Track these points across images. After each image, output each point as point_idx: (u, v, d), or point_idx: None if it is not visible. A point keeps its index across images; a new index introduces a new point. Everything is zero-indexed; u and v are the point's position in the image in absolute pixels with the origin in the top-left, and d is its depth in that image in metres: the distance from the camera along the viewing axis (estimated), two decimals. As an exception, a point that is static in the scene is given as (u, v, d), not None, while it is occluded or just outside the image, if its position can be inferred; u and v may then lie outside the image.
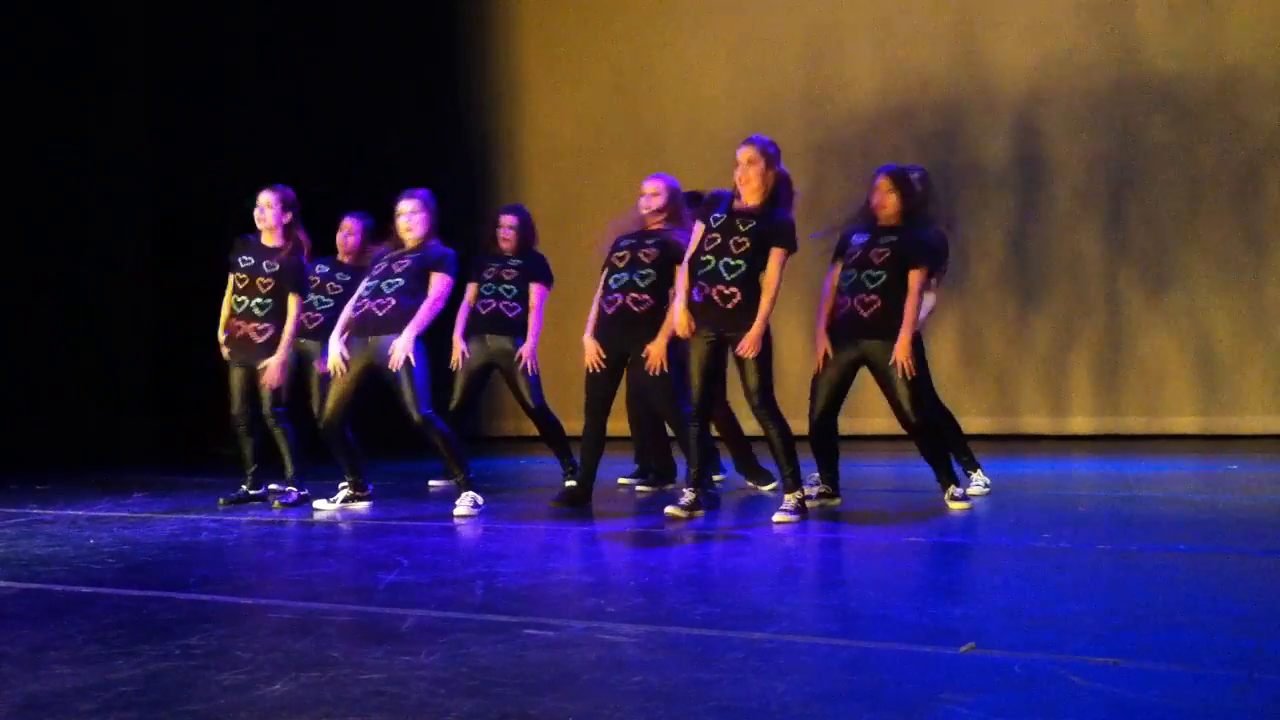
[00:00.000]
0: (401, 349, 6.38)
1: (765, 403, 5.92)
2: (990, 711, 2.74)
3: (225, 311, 7.08)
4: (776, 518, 5.81)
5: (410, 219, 6.68)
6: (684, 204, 6.78)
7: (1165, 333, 10.57)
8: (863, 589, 4.41)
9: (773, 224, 5.93)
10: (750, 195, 5.98)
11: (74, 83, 10.51)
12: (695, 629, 3.64)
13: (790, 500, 5.89)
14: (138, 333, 10.93)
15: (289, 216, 7.08)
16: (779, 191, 6.01)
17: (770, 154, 5.98)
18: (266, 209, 7.04)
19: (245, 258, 7.04)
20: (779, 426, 5.97)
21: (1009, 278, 10.97)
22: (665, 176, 6.85)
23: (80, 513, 6.90)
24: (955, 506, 6.15)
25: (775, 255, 5.91)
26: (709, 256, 5.93)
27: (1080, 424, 10.80)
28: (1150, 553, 4.94)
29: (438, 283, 6.55)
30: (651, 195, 6.74)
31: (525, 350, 7.40)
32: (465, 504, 6.43)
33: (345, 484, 6.80)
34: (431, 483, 7.87)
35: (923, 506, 6.34)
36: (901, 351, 6.12)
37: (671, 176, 6.87)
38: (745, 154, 5.99)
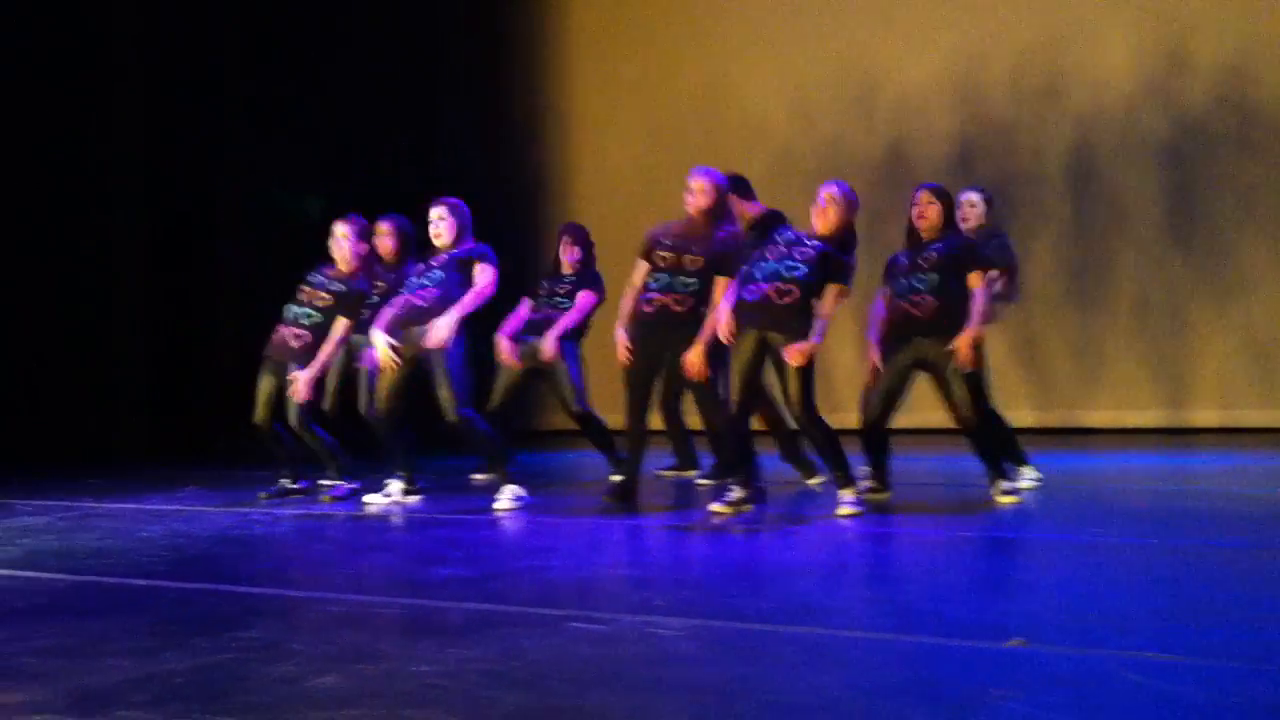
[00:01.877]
0: (443, 327, 6.35)
1: (806, 410, 5.91)
2: (1041, 707, 2.72)
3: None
4: (841, 511, 5.79)
5: (437, 225, 6.67)
6: (728, 198, 6.63)
7: (1223, 326, 10.46)
8: (912, 584, 4.39)
9: (835, 257, 5.98)
10: (823, 228, 6.06)
11: (73, 83, 10.52)
12: (744, 623, 3.64)
13: (848, 494, 5.87)
14: (137, 333, 10.95)
15: (365, 247, 7.18)
16: (846, 233, 6.08)
17: (851, 201, 6.09)
18: (344, 240, 7.15)
19: (316, 275, 7.17)
20: (823, 432, 5.96)
21: (1066, 269, 10.87)
22: (711, 172, 6.59)
23: (132, 506, 6.96)
24: (1004, 500, 6.10)
25: (830, 290, 5.95)
26: (769, 261, 5.97)
27: (1134, 418, 10.70)
28: (1204, 548, 4.89)
29: (482, 274, 6.53)
30: (698, 193, 6.48)
31: (548, 339, 7.41)
32: (506, 497, 6.44)
33: (397, 477, 6.81)
34: (475, 476, 7.89)
35: (972, 501, 6.30)
36: (963, 342, 6.08)
37: (717, 172, 6.70)
38: (829, 194, 6.06)
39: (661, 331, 6.39)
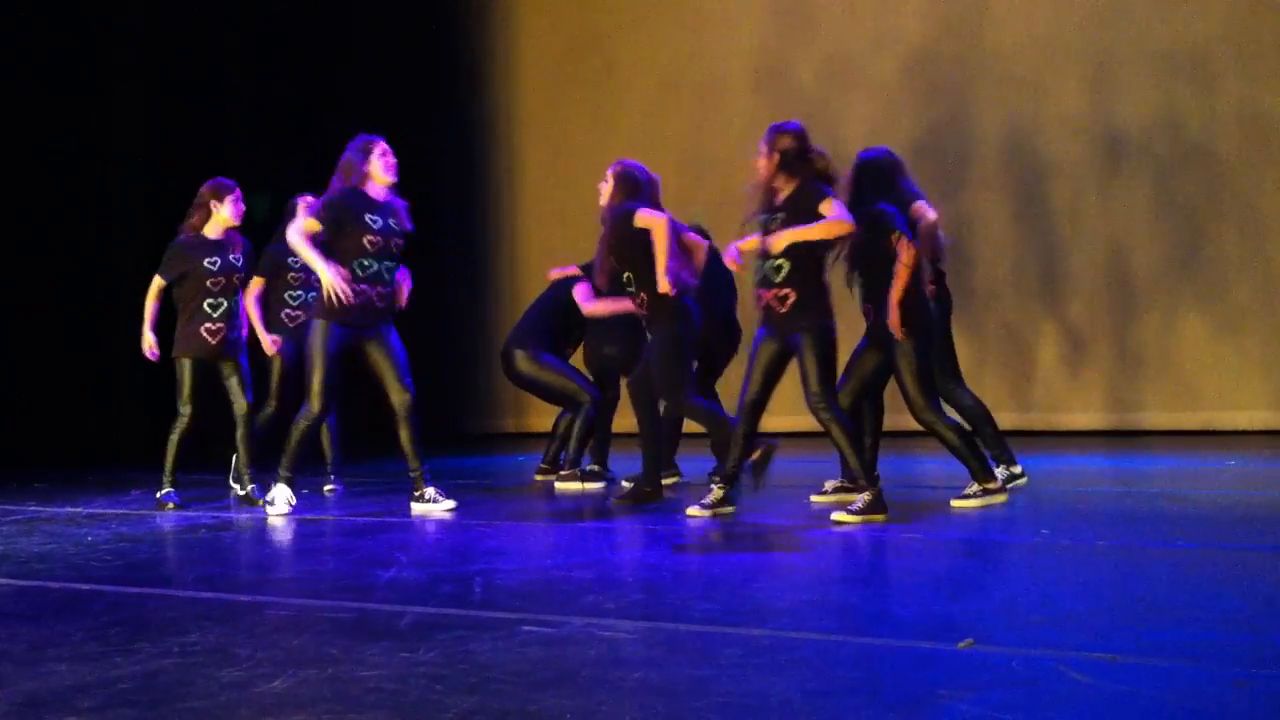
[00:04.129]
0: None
1: (827, 402, 5.73)
2: (990, 708, 2.74)
3: (152, 310, 6.99)
4: (836, 516, 5.65)
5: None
6: (633, 181, 6.56)
7: (1164, 327, 10.56)
8: (862, 585, 4.41)
9: (800, 208, 5.75)
10: (771, 185, 5.84)
11: (74, 83, 10.51)
12: (695, 626, 3.64)
13: (863, 500, 5.69)
14: (137, 333, 10.92)
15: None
16: (795, 170, 5.80)
17: (770, 139, 5.82)
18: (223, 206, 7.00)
19: (211, 260, 6.87)
20: (841, 425, 5.76)
21: (1008, 275, 10.95)
22: (620, 163, 6.61)
23: (78, 510, 6.89)
24: (959, 505, 6.03)
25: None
26: (758, 263, 5.83)
27: (1079, 420, 10.80)
28: (1149, 549, 4.94)
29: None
30: (605, 186, 6.56)
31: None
32: (281, 498, 6.44)
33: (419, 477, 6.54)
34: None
35: (922, 502, 6.33)
36: (892, 320, 5.88)
37: (628, 161, 6.65)
38: (760, 148, 5.85)
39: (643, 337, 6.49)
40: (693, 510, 5.90)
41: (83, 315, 10.61)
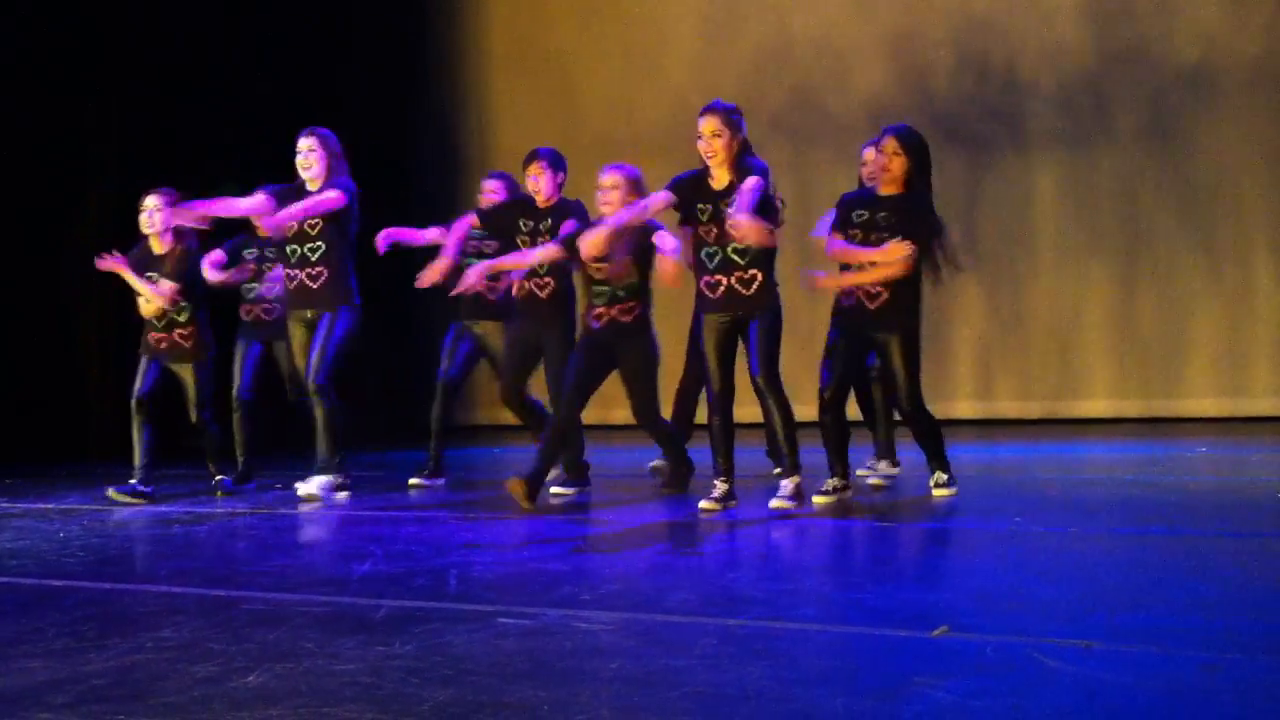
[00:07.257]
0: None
1: (771, 379, 5.74)
2: (963, 694, 2.75)
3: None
4: (774, 503, 5.66)
5: (307, 156, 6.64)
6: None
7: (1133, 315, 10.60)
8: (836, 574, 4.43)
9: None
10: (719, 169, 5.73)
11: (73, 83, 10.45)
12: (670, 616, 3.65)
13: (789, 485, 5.72)
14: (109, 330, 10.86)
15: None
16: (745, 160, 5.70)
17: (734, 121, 5.72)
18: (155, 213, 6.92)
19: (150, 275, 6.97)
20: (781, 405, 5.77)
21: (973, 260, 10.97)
22: (622, 166, 6.54)
23: (50, 506, 6.86)
24: (939, 493, 6.04)
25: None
26: (714, 249, 5.75)
27: (1047, 408, 10.83)
28: (1121, 535, 4.97)
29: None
30: (610, 190, 6.51)
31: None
32: (313, 485, 6.54)
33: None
34: (412, 481, 7.26)
35: (895, 491, 6.35)
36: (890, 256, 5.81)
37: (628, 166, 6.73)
38: (708, 125, 5.69)
39: (614, 342, 6.34)
40: (704, 504, 5.81)
41: (81, 315, 10.54)
